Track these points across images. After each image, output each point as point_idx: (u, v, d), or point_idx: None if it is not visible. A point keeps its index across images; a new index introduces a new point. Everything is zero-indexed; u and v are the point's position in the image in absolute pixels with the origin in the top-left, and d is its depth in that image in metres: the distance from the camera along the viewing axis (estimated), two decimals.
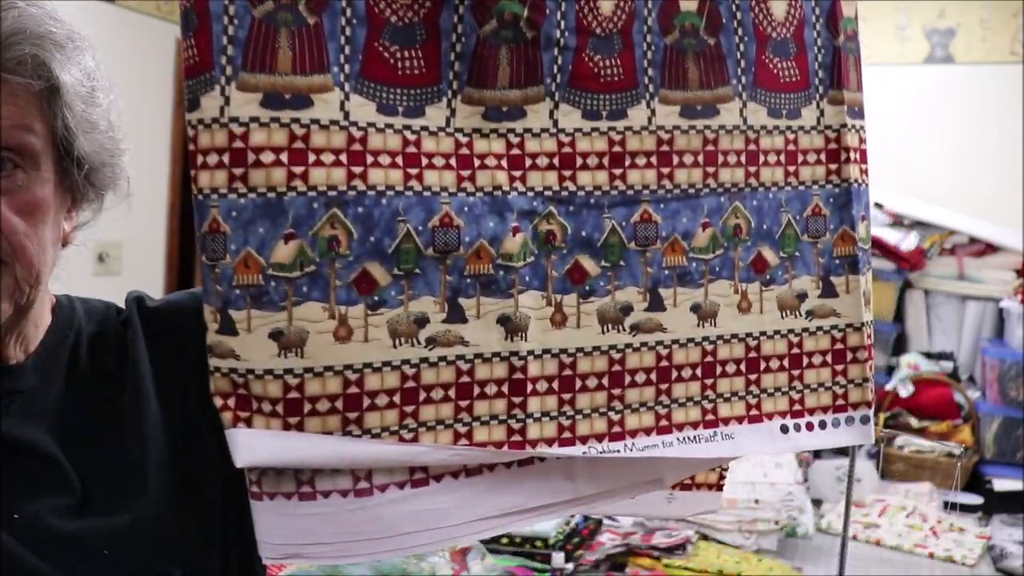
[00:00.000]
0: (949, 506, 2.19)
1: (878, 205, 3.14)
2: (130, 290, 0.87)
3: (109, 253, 3.09)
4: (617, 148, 0.78)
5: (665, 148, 0.80)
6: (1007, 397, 2.55)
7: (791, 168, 0.85)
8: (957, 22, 3.62)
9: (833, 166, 0.87)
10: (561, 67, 0.76)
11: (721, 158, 0.82)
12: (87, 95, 0.74)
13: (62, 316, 0.82)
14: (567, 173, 0.77)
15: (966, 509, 2.22)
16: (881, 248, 2.92)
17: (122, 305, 0.86)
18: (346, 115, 0.69)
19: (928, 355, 2.80)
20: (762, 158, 0.84)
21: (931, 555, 1.96)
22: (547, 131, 0.76)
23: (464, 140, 0.73)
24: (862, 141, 0.89)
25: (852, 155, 0.87)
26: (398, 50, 0.71)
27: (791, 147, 0.85)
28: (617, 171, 0.78)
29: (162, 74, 3.73)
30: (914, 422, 2.56)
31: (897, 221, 3.06)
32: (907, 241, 2.95)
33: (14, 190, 0.70)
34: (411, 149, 0.71)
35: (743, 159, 0.83)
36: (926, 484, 2.30)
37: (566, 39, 0.76)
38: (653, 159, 0.79)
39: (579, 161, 0.77)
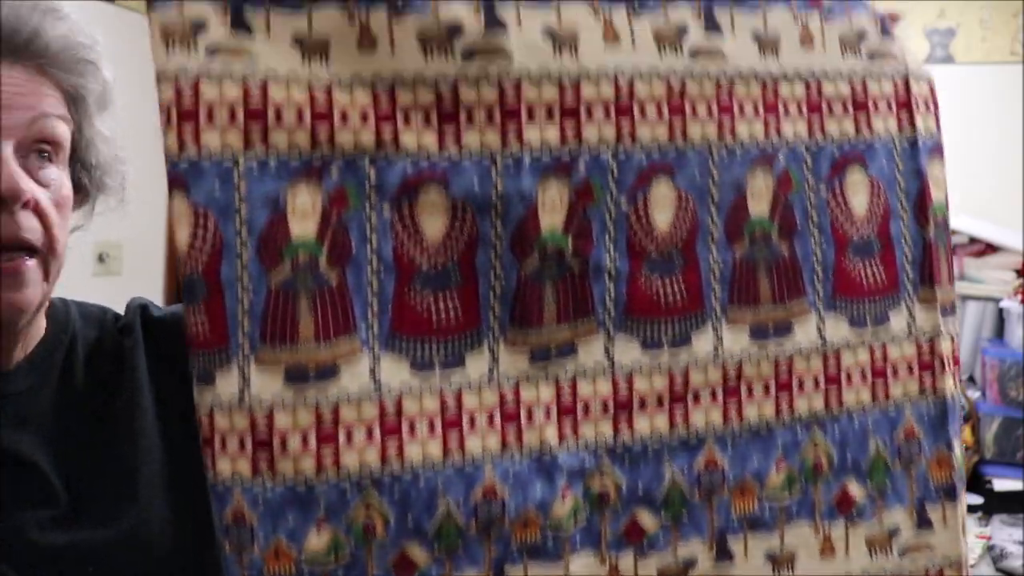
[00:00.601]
0: None
1: None
2: (134, 296, 0.86)
3: (109, 253, 3.08)
4: (679, 385, 0.70)
5: (733, 380, 0.71)
6: (1007, 397, 2.54)
7: (879, 385, 0.76)
8: (957, 22, 3.62)
9: (928, 378, 0.77)
10: (615, 296, 0.69)
11: (796, 385, 0.73)
12: (106, 104, 0.77)
13: (56, 320, 0.81)
14: (623, 419, 0.69)
15: (966, 509, 2.22)
16: None
17: (119, 309, 0.85)
18: (377, 382, 0.63)
19: None
20: (845, 378, 0.74)
21: None
22: (602, 369, 0.68)
23: (509, 390, 0.66)
24: (955, 347, 0.80)
25: (948, 364, 0.78)
26: (431, 298, 0.65)
27: (879, 362, 0.76)
28: (679, 411, 0.70)
29: None
30: None
31: None
32: None
33: (51, 183, 0.72)
34: (450, 411, 0.65)
35: (822, 382, 0.74)
36: None
37: (618, 265, 0.68)
38: (719, 394, 0.71)
39: (636, 404, 0.69)
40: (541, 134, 0.66)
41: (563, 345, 0.68)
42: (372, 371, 0.63)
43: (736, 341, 0.71)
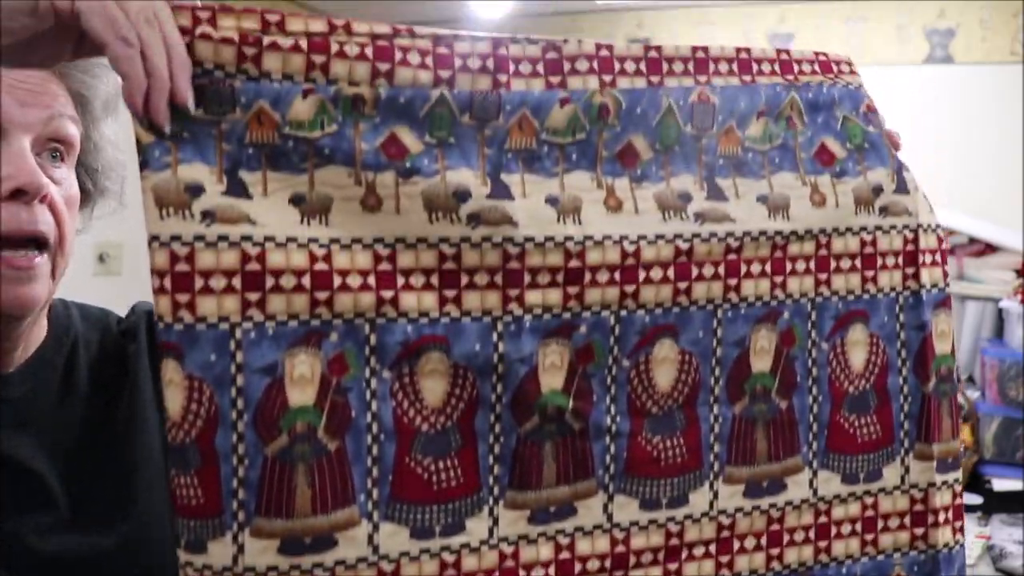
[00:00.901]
0: None
1: None
2: (140, 300, 0.86)
3: (109, 253, 3.08)
4: (674, 540, 0.70)
5: (726, 534, 0.72)
6: (1006, 397, 2.54)
7: (868, 537, 0.76)
8: (957, 22, 3.62)
9: (919, 531, 0.77)
10: (615, 455, 0.69)
11: (787, 538, 0.74)
12: (112, 108, 0.77)
13: (58, 322, 0.81)
14: (618, 575, 0.69)
15: (965, 509, 2.22)
16: None
17: (119, 309, 0.85)
18: (375, 549, 0.62)
19: None
20: (834, 530, 0.75)
21: None
22: (600, 527, 0.69)
23: (509, 551, 0.66)
24: (956, 496, 0.79)
25: (943, 517, 0.78)
26: (432, 463, 0.64)
27: (869, 512, 0.76)
28: (672, 566, 0.70)
29: None
30: None
31: None
32: None
33: (62, 182, 0.73)
34: (450, 573, 0.64)
35: (812, 535, 0.74)
36: None
37: (619, 424, 0.69)
38: (712, 548, 0.72)
39: (632, 560, 0.69)
40: (543, 297, 0.66)
41: (563, 505, 0.68)
42: (370, 538, 0.62)
43: (732, 498, 0.72)
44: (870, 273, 0.76)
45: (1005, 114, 3.48)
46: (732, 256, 0.70)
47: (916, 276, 0.78)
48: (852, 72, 0.80)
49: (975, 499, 2.27)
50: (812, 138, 0.75)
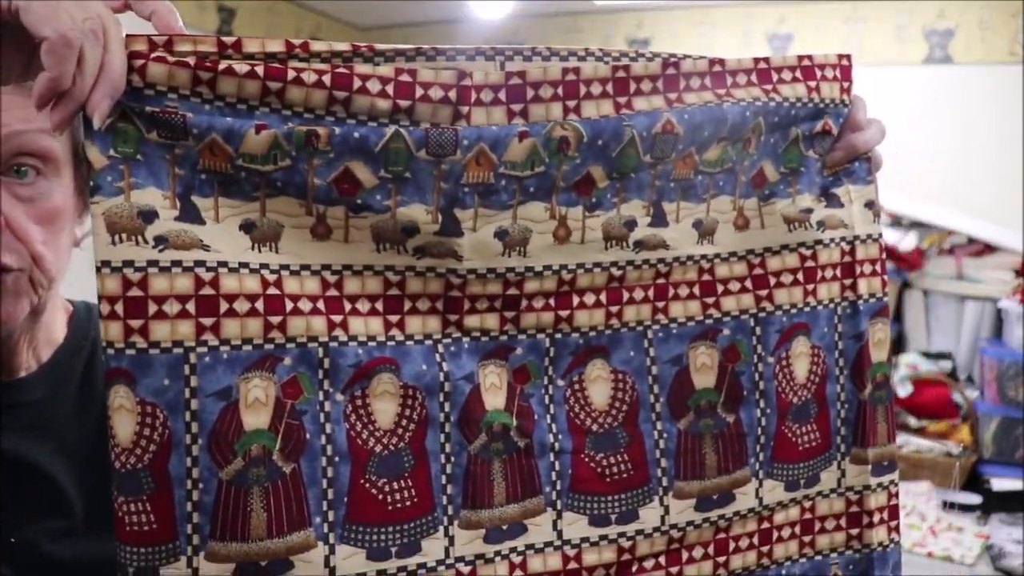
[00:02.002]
0: (948, 505, 2.19)
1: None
2: None
3: None
4: (626, 556, 0.71)
5: (675, 546, 0.73)
6: (1006, 397, 2.55)
7: (807, 539, 0.79)
8: (956, 22, 3.63)
9: (854, 531, 0.80)
10: (560, 472, 0.70)
11: (732, 545, 0.76)
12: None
13: (78, 326, 0.80)
14: None
15: (965, 508, 2.23)
16: None
17: None
18: (332, 571, 0.62)
19: (927, 355, 2.80)
20: (776, 534, 0.77)
21: (930, 554, 1.96)
22: (551, 545, 0.69)
23: (466, 571, 0.66)
24: (891, 496, 0.81)
25: (877, 517, 0.80)
26: (386, 483, 0.64)
27: (807, 515, 0.79)
28: None
29: None
30: (913, 422, 2.56)
31: (896, 221, 3.07)
32: (906, 241, 2.96)
33: (36, 198, 0.70)
34: None
35: (756, 540, 0.77)
36: (925, 483, 2.31)
37: (561, 442, 0.70)
38: (662, 559, 0.73)
39: None
40: (481, 321, 0.68)
41: (514, 523, 0.68)
42: (327, 560, 0.62)
43: (682, 514, 0.73)
44: (811, 286, 0.78)
45: (1004, 114, 3.48)
46: (661, 280, 0.73)
47: (854, 287, 0.80)
48: (836, 77, 0.78)
49: (974, 498, 2.28)
50: (755, 161, 0.76)
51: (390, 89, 0.62)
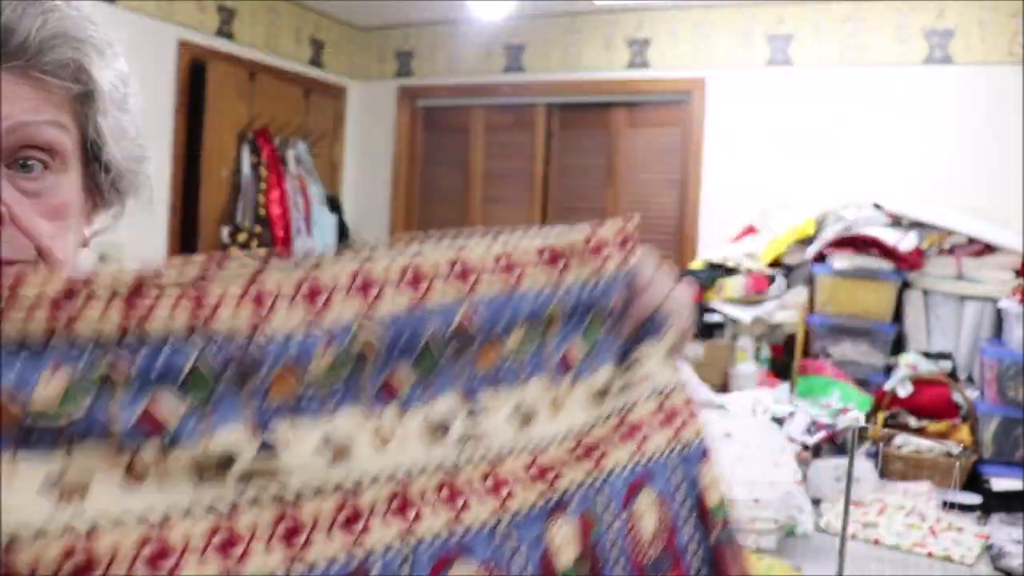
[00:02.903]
0: (948, 505, 2.20)
1: (877, 206, 3.15)
2: None
3: (109, 253, 3.09)
4: None
5: None
6: (1005, 397, 2.55)
7: None
8: (956, 23, 3.63)
9: None
10: None
11: None
12: (120, 101, 0.74)
13: None
14: None
15: (965, 508, 2.23)
16: (880, 248, 2.92)
17: None
18: None
19: (927, 355, 2.81)
20: None
21: (930, 554, 1.96)
22: None
23: None
24: None
25: None
26: None
27: None
28: None
29: (162, 74, 3.73)
30: (913, 422, 2.56)
31: (896, 221, 3.07)
32: (906, 241, 2.96)
33: (43, 192, 0.70)
34: None
35: None
36: (925, 483, 2.31)
37: None
38: None
39: None
40: (324, 549, 0.64)
41: None
42: None
43: None
44: (640, 440, 0.80)
45: (1004, 114, 3.48)
46: (495, 473, 0.73)
47: (677, 436, 0.82)
48: (621, 244, 0.81)
49: (974, 498, 2.28)
50: (559, 344, 0.77)
51: (185, 303, 0.60)
